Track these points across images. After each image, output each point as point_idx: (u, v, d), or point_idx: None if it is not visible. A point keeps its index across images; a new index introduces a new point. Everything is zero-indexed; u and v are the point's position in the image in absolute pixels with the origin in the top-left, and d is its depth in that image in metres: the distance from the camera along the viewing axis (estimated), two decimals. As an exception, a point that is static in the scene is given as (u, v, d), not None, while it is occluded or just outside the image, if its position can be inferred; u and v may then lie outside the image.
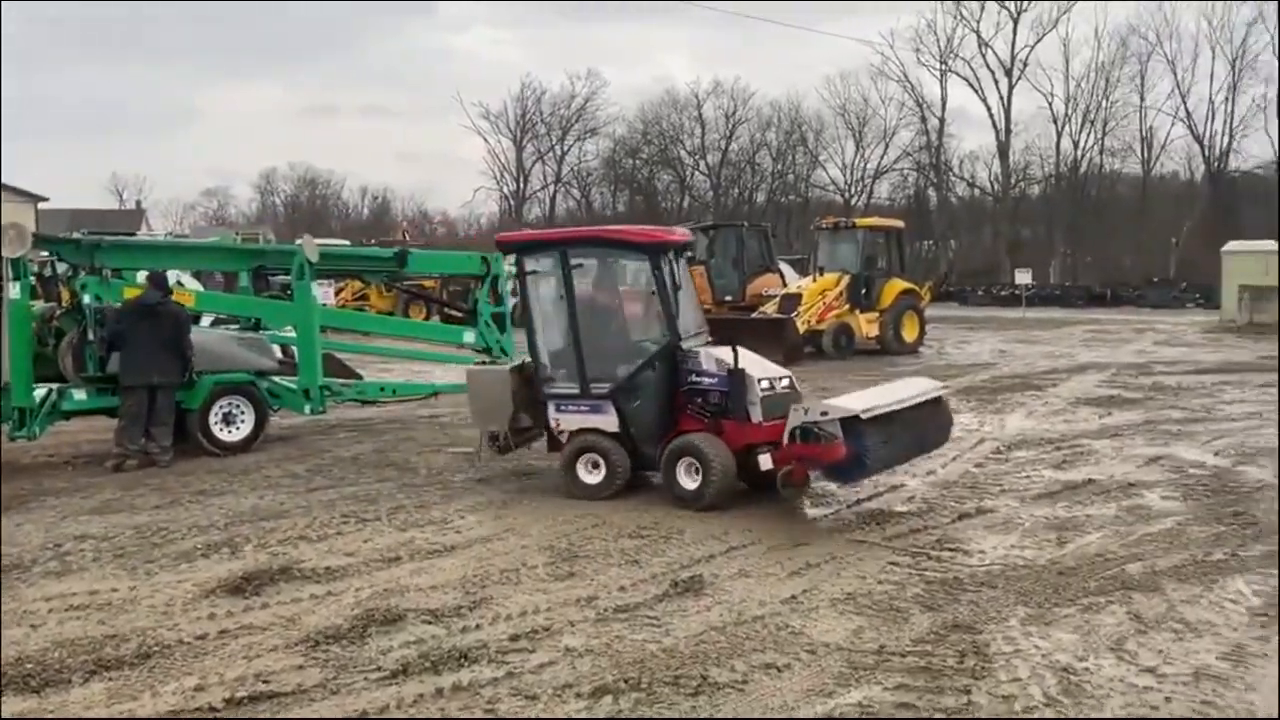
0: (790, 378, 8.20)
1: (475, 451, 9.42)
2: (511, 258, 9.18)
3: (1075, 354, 21.39)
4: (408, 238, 40.87)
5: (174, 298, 11.48)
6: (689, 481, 7.84)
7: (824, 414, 7.25)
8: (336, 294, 26.19)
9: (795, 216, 57.98)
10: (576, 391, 8.37)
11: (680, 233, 9.07)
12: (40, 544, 7.17)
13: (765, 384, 7.92)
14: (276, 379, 11.27)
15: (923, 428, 7.99)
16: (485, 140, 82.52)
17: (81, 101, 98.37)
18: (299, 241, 11.47)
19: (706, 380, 8.03)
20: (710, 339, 8.66)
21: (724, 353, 8.01)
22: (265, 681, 4.75)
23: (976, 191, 61.06)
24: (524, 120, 68.12)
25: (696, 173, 66.93)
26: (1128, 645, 5.07)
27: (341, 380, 12.29)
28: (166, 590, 6.10)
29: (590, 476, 8.29)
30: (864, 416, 7.15)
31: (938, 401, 8.34)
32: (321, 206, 74.81)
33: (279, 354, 12.18)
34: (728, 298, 22.88)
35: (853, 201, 60.09)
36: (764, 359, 8.31)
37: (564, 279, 8.35)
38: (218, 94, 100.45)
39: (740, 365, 7.93)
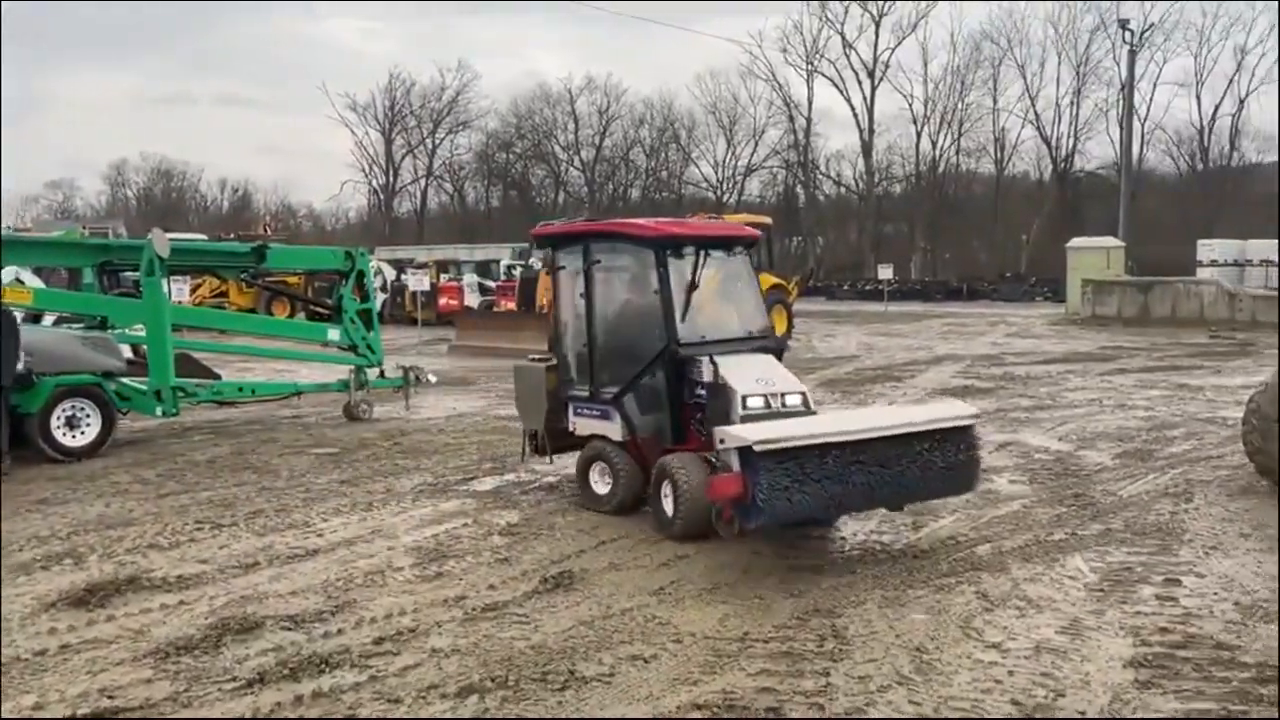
0: (803, 393, 7.03)
1: (522, 451, 8.89)
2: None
3: (933, 346, 22.30)
4: (270, 232, 39.52)
5: (9, 296, 10.84)
6: (667, 506, 6.88)
7: (722, 441, 6.13)
8: (193, 291, 25.11)
9: (669, 212, 58.58)
10: (588, 394, 7.79)
11: (699, 224, 8.60)
12: None
13: (757, 400, 6.80)
14: (126, 380, 10.74)
15: (899, 469, 6.23)
16: (353, 132, 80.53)
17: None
18: (149, 236, 10.96)
19: (700, 392, 7.19)
20: (763, 346, 7.58)
21: (730, 361, 7.08)
22: (110, 697, 4.53)
23: (842, 189, 62.97)
24: (393, 112, 66.77)
25: (571, 168, 66.91)
26: (975, 623, 5.31)
27: (197, 381, 11.81)
28: (4, 604, 5.74)
29: (600, 486, 7.65)
30: (757, 448, 5.81)
31: (952, 435, 6.49)
32: (178, 199, 71.65)
33: (129, 354, 11.63)
34: (600, 293, 22.94)
35: (725, 198, 61.11)
36: (783, 372, 7.25)
37: (584, 274, 7.77)
38: (62, 81, 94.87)
39: (723, 377, 6.95)
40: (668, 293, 7.21)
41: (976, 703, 4.37)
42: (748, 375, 6.95)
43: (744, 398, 6.77)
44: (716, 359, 7.05)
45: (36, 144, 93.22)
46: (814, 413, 6.76)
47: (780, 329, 22.22)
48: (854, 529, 7.19)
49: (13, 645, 5.12)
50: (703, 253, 7.35)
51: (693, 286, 7.20)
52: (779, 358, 7.53)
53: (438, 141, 67.13)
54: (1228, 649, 4.94)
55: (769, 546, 6.76)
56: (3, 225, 40.89)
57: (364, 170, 68.79)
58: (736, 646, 5.01)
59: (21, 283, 13.46)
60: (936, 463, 6.35)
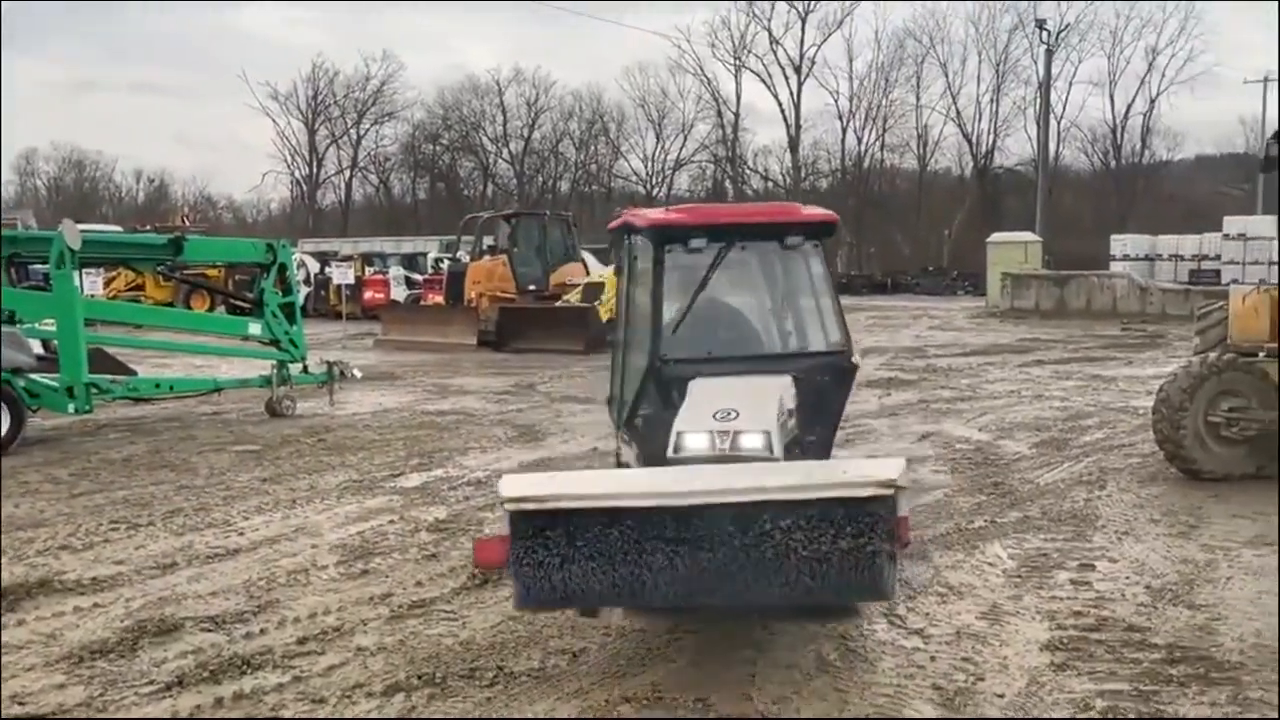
0: (766, 433, 4.92)
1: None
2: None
3: (859, 339, 22.59)
4: (188, 223, 38.49)
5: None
6: None
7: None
8: (107, 284, 24.36)
9: (599, 206, 58.50)
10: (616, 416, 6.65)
11: (747, 208, 7.07)
12: None
13: (698, 439, 4.97)
14: (36, 376, 10.37)
15: (729, 556, 4.10)
16: (274, 121, 78.56)
17: None
18: (60, 227, 10.59)
19: None
20: (813, 367, 5.83)
21: (707, 386, 5.45)
22: (21, 704, 4.39)
23: (770, 184, 63.51)
24: (316, 102, 65.41)
25: (500, 160, 66.37)
26: (898, 610, 5.41)
27: (111, 377, 11.45)
28: (-98, 612, 5.51)
29: None
30: (507, 507, 4.27)
31: (833, 511, 4.11)
32: (90, 190, 69.32)
33: (40, 349, 11.23)
34: (531, 286, 22.83)
35: (654, 192, 61.21)
36: (766, 403, 5.20)
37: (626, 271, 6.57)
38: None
39: (678, 406, 5.43)
40: (659, 294, 5.78)
41: (899, 688, 4.46)
42: (708, 405, 5.15)
43: (679, 435, 4.97)
44: (696, 382, 5.49)
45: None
46: (776, 457, 4.84)
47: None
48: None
49: (-86, 653, 4.91)
50: (728, 245, 5.80)
51: (700, 287, 5.79)
52: (842, 382, 5.88)
53: (362, 132, 65.98)
54: (1139, 631, 5.12)
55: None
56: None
57: (286, 161, 67.31)
58: (665, 639, 5.03)
59: (-78, 275, 12.88)
60: (798, 551, 4.05)
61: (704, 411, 5.09)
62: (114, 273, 24.84)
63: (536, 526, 4.18)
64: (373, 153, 66.95)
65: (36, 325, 11.48)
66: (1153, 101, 55.19)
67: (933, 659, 4.79)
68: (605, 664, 4.75)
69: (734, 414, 4.99)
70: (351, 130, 66.02)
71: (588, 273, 23.53)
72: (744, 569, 4.08)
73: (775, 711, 4.25)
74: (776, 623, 5.11)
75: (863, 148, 59.81)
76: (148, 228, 32.18)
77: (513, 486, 4.37)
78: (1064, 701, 4.34)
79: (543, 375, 16.11)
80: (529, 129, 64.93)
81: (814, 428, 5.76)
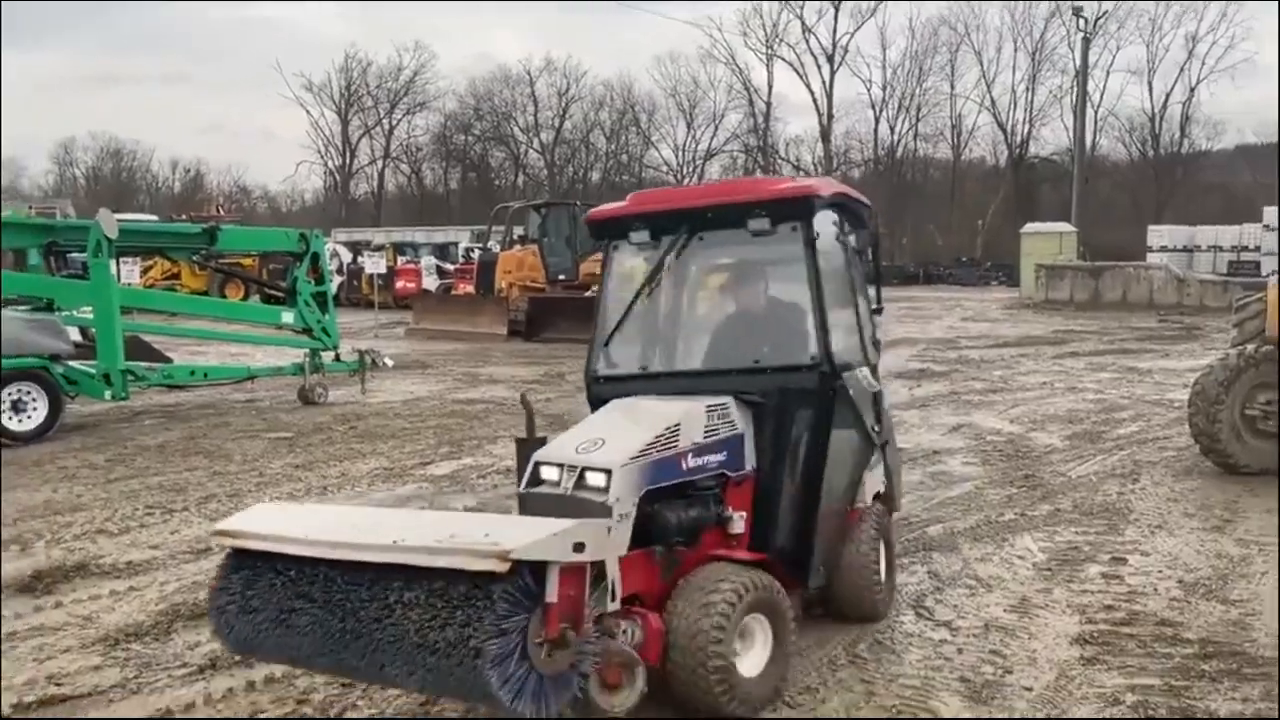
0: (608, 472, 3.96)
1: None
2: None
3: (890, 330, 22.46)
4: (223, 213, 38.90)
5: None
6: None
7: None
8: (144, 273, 24.66)
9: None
10: None
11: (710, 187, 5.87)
12: None
13: (550, 470, 4.12)
14: (73, 363, 10.54)
15: (359, 623, 3.35)
16: (308, 112, 79.44)
17: None
18: (97, 217, 10.74)
19: None
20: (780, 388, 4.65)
21: (614, 409, 4.62)
22: (58, 684, 4.47)
23: (801, 174, 63.20)
24: (349, 92, 65.86)
25: (530, 150, 66.52)
26: (926, 602, 5.39)
27: (147, 364, 11.62)
28: (-55, 593, 5.63)
29: None
30: (214, 538, 3.93)
31: (446, 585, 3.23)
32: (128, 179, 70.19)
33: (78, 336, 11.41)
34: (561, 276, 22.88)
35: (685, 182, 61.12)
36: (641, 431, 4.22)
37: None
38: (6, 58, 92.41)
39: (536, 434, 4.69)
40: (601, 299, 5.14)
41: (926, 680, 4.44)
42: (586, 431, 4.36)
43: (534, 466, 4.19)
44: (615, 403, 4.68)
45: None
46: (610, 503, 3.88)
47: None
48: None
49: (-44, 633, 5.02)
50: (682, 236, 4.85)
51: (641, 289, 4.97)
52: (814, 406, 4.65)
53: (395, 123, 66.44)
54: (1171, 625, 5.05)
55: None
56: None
57: (320, 151, 67.91)
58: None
59: (-37, 264, 13.12)
60: (409, 633, 3.22)
61: (575, 438, 4.28)
62: (150, 261, 25.15)
63: (242, 566, 3.69)
64: (405, 143, 67.41)
65: (75, 313, 11.66)
66: (1192, 90, 54.47)
67: (960, 651, 4.76)
68: (631, 652, 4.76)
69: (600, 444, 4.13)
70: (384, 121, 66.50)
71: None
72: (371, 639, 3.31)
73: (801, 701, 4.24)
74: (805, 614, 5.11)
75: (896, 137, 59.44)
76: (183, 217, 32.58)
77: (239, 518, 3.94)
78: (1093, 696, 4.29)
79: (572, 365, 16.12)
80: (560, 119, 65.07)
81: (785, 467, 4.57)
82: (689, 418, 4.30)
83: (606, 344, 4.97)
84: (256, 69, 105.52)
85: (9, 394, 9.75)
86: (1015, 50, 56.82)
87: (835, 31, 57.78)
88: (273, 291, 17.40)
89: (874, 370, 5.36)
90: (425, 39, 76.87)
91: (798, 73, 58.91)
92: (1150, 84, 55.56)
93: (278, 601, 3.53)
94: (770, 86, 60.51)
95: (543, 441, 4.46)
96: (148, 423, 11.11)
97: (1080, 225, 35.08)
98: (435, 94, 65.44)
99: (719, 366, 4.83)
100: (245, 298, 23.92)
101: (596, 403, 4.80)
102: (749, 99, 61.01)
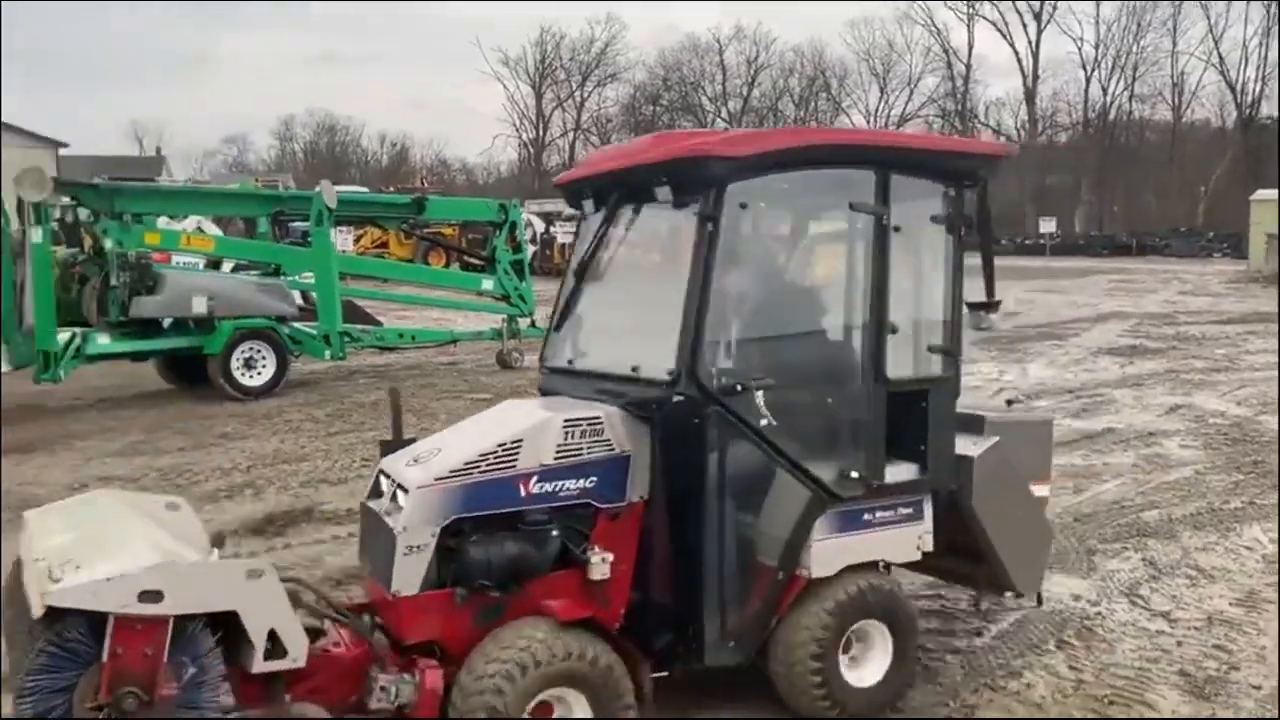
0: (398, 492, 3.51)
1: None
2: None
3: (1098, 303, 21.21)
4: (426, 185, 40.75)
5: (193, 244, 11.60)
6: None
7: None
8: (356, 241, 26.18)
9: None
10: None
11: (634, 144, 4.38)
12: (66, 484, 7.29)
13: (385, 482, 3.66)
14: (297, 325, 11.34)
15: None
16: (504, 86, 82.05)
17: (101, 47, 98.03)
18: (318, 188, 11.47)
19: None
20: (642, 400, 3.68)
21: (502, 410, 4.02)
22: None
23: (1002, 138, 60.23)
24: (543, 66, 67.50)
25: (718, 119, 66.26)
26: (1141, 591, 5.09)
27: (361, 326, 12.35)
28: (191, 530, 6.21)
29: None
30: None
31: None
32: (341, 153, 74.57)
33: (299, 300, 12.26)
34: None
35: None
36: (499, 432, 3.58)
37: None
38: (227, 41, 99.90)
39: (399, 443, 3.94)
40: (564, 278, 4.33)
41: (1141, 671, 4.20)
42: (438, 438, 3.84)
43: (379, 476, 3.74)
44: (501, 404, 4.16)
45: (212, 100, 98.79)
46: (397, 531, 3.34)
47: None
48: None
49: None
50: (612, 207, 3.95)
51: (580, 269, 4.14)
52: (680, 431, 3.52)
53: (586, 95, 67.65)
54: None
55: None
56: (183, 178, 43.64)
57: (515, 125, 70.00)
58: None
59: (203, 231, 14.32)
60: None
61: (425, 445, 3.76)
62: (362, 231, 26.68)
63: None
64: (595, 114, 68.56)
65: (297, 278, 12.53)
66: None
67: (1179, 644, 4.48)
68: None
69: (434, 454, 3.58)
70: (576, 93, 67.83)
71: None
72: None
73: (1004, 684, 4.10)
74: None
75: (1108, 98, 55.75)
76: (390, 189, 34.33)
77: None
78: (1334, 701, 3.96)
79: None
80: (748, 87, 64.55)
81: (668, 504, 3.58)
82: (538, 433, 3.49)
83: (556, 329, 4.24)
84: (458, 46, 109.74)
85: (243, 352, 10.62)
86: (1248, 1, 51.96)
87: (1044, -13, 54.50)
88: (472, 259, 18.12)
89: (948, 387, 3.87)
90: (616, 11, 77.31)
91: (1001, 32, 56.15)
92: None
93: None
94: (970, 47, 58.01)
95: (408, 444, 3.84)
96: (361, 381, 11.85)
97: (1321, 191, 31.83)
98: (625, 65, 66.28)
99: (607, 369, 3.90)
100: (446, 265, 25.01)
101: (544, 395, 4.18)
102: (947, 61, 58.66)
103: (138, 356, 10.91)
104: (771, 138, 3.64)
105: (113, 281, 10.34)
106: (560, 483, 3.49)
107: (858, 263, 3.83)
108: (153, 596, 2.73)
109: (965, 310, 3.93)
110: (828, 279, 4.16)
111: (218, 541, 3.45)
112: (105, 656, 2.73)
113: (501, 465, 3.42)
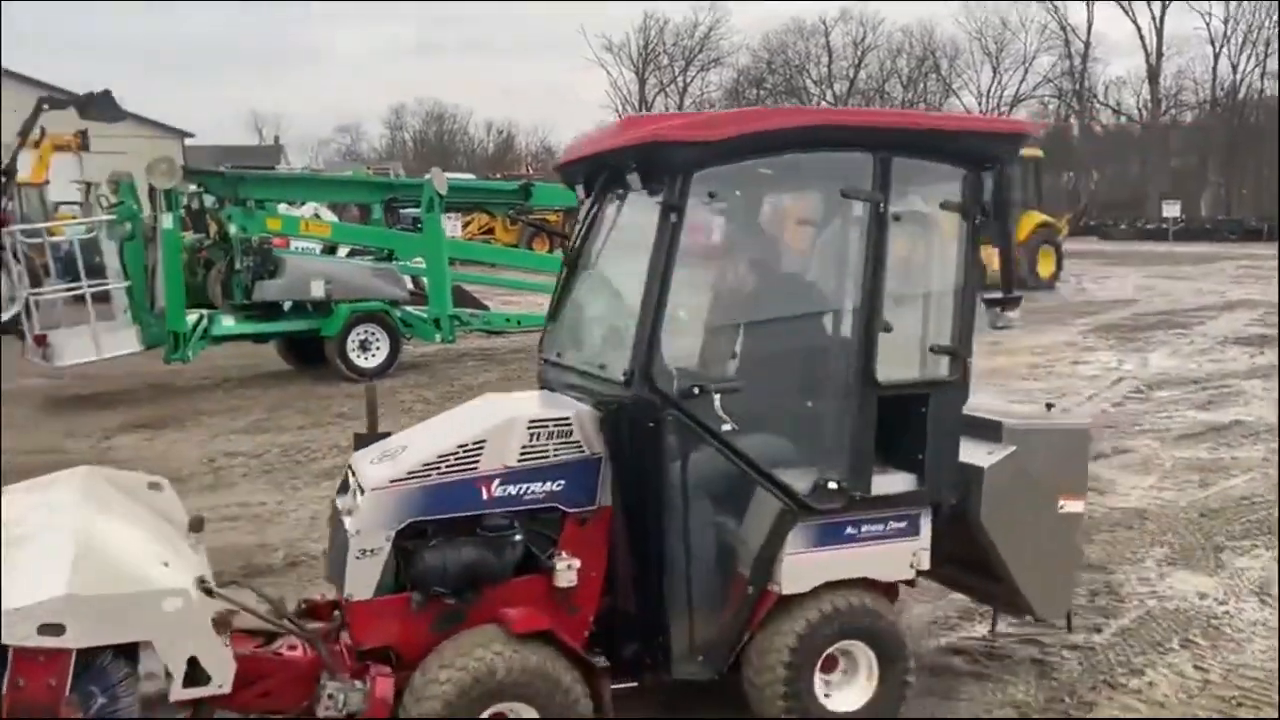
0: (362, 492, 3.37)
1: None
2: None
3: (1225, 291, 20.20)
4: (531, 172, 41.28)
5: (311, 230, 11.99)
6: None
7: None
8: (464, 227, 26.69)
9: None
10: None
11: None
12: (196, 459, 7.66)
13: (351, 479, 3.57)
14: (408, 309, 11.64)
15: None
16: (607, 72, 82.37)
17: (221, 42, 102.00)
18: (429, 175, 11.74)
19: None
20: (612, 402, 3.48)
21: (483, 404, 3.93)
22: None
23: (1122, 119, 57.84)
24: (646, 51, 67.53)
25: (822, 102, 65.27)
26: (1272, 589, 4.86)
27: (469, 310, 12.61)
28: (310, 505, 6.46)
29: None
30: None
31: None
32: (448, 141, 76.01)
33: (410, 285, 12.58)
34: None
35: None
36: (464, 431, 3.43)
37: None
38: (339, 34, 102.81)
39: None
40: (563, 266, 4.24)
41: (1272, 673, 4.02)
42: (407, 434, 3.76)
43: (349, 471, 3.64)
44: (479, 399, 4.08)
45: (324, 90, 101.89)
46: (352, 533, 3.27)
47: (1047, 271, 20.86)
48: (1131, 483, 6.72)
49: (320, 540, 5.72)
50: (600, 192, 3.81)
51: (571, 257, 4.01)
52: (650, 432, 3.32)
53: (689, 80, 67.43)
54: None
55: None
56: (299, 166, 45.14)
57: (617, 111, 70.15)
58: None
59: (320, 217, 14.82)
60: None
61: (395, 440, 3.65)
62: (469, 217, 27.18)
63: None
64: (698, 100, 68.25)
65: (408, 263, 12.85)
66: None
67: (1315, 647, 4.27)
68: (931, 615, 4.66)
69: (399, 451, 3.46)
70: (679, 78, 67.65)
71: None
72: None
73: (1124, 681, 3.97)
74: (1126, 585, 4.76)
75: (1238, 76, 52.81)
76: (497, 176, 34.89)
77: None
78: None
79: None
80: (854, 69, 63.41)
81: (630, 510, 3.41)
82: (501, 433, 3.34)
83: (552, 318, 4.07)
84: (562, 33, 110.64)
85: (358, 334, 10.96)
86: (1398, -33, 48.57)
87: (1170, -41, 51.99)
88: (577, 245, 18.25)
89: (952, 390, 3.53)
90: (722, -4, 76.70)
91: (1123, 7, 53.63)
92: None
93: None
94: (1089, 24, 55.62)
95: (382, 438, 3.74)
96: (470, 364, 12.11)
97: None
98: (729, 49, 65.78)
99: (584, 365, 3.69)
100: (550, 251, 25.32)
101: (541, 388, 3.98)
102: (1065, 38, 56.40)
103: (259, 338, 11.37)
104: (742, 120, 3.32)
105: (237, 266, 10.81)
106: (525, 486, 3.32)
107: (850, 255, 3.55)
108: (53, 630, 2.64)
109: (983, 308, 3.62)
110: (814, 273, 3.89)
111: (196, 526, 3.43)
112: (5, 688, 2.68)
113: (462, 467, 3.28)
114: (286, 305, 11.09)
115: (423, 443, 3.45)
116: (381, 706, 3.06)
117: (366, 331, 11.02)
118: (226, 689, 2.91)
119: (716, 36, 65.72)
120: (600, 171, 3.71)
